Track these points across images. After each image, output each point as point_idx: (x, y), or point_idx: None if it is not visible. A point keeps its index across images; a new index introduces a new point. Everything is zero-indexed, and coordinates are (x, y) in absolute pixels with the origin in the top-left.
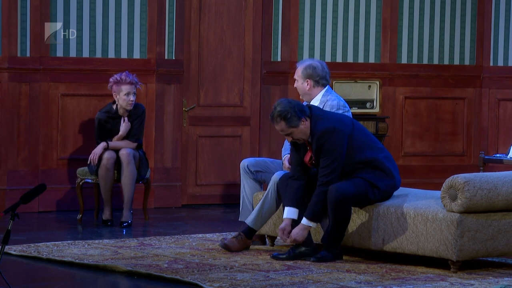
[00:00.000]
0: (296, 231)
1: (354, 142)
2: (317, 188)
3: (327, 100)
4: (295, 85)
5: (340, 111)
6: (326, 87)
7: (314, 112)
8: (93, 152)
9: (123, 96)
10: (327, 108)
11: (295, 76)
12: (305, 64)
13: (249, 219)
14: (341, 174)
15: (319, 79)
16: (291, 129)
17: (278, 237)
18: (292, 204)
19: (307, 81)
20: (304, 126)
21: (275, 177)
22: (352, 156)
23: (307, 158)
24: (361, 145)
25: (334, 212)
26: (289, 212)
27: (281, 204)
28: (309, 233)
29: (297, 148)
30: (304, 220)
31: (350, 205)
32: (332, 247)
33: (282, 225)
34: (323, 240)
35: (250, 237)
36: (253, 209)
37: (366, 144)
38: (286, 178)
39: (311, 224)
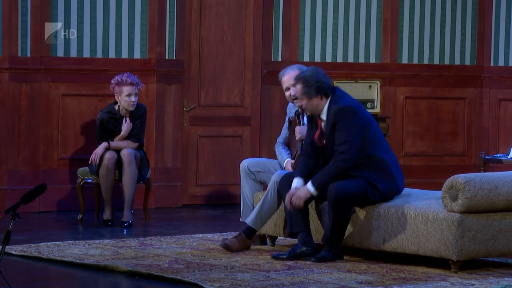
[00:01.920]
0: (297, 192)
1: (368, 136)
2: (332, 161)
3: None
4: (293, 93)
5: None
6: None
7: (337, 92)
8: (94, 152)
9: (124, 97)
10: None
11: (288, 84)
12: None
13: (249, 219)
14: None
15: None
16: (303, 96)
17: (278, 237)
18: (300, 176)
19: None
20: (317, 102)
21: (275, 176)
22: (362, 148)
23: (316, 135)
24: (374, 141)
25: (334, 210)
26: (298, 182)
27: (281, 204)
28: (309, 234)
29: (311, 126)
30: (309, 184)
31: (350, 204)
32: (333, 247)
33: (290, 192)
34: (323, 240)
35: (250, 237)
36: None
37: (378, 142)
38: (287, 178)
39: (313, 191)
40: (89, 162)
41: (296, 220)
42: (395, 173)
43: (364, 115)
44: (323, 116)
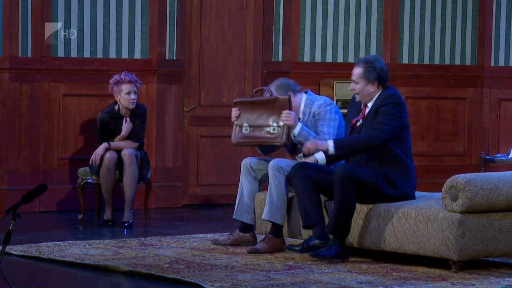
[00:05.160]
0: (316, 141)
1: (405, 138)
2: (364, 132)
3: (312, 102)
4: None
5: (328, 107)
6: (305, 92)
7: (391, 87)
8: (94, 153)
9: (124, 96)
10: (314, 109)
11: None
12: (280, 81)
13: (265, 215)
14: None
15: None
16: (361, 80)
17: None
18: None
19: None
20: (372, 89)
21: (272, 164)
22: (398, 146)
23: (355, 120)
24: (407, 146)
25: (339, 191)
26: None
27: (289, 193)
28: (323, 227)
29: (354, 112)
30: (330, 140)
31: (355, 188)
32: (337, 244)
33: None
34: (327, 229)
35: (278, 235)
36: (250, 208)
37: (409, 148)
38: (300, 167)
39: (332, 148)
40: (89, 163)
41: (312, 213)
42: (413, 183)
43: (406, 115)
44: (370, 104)
